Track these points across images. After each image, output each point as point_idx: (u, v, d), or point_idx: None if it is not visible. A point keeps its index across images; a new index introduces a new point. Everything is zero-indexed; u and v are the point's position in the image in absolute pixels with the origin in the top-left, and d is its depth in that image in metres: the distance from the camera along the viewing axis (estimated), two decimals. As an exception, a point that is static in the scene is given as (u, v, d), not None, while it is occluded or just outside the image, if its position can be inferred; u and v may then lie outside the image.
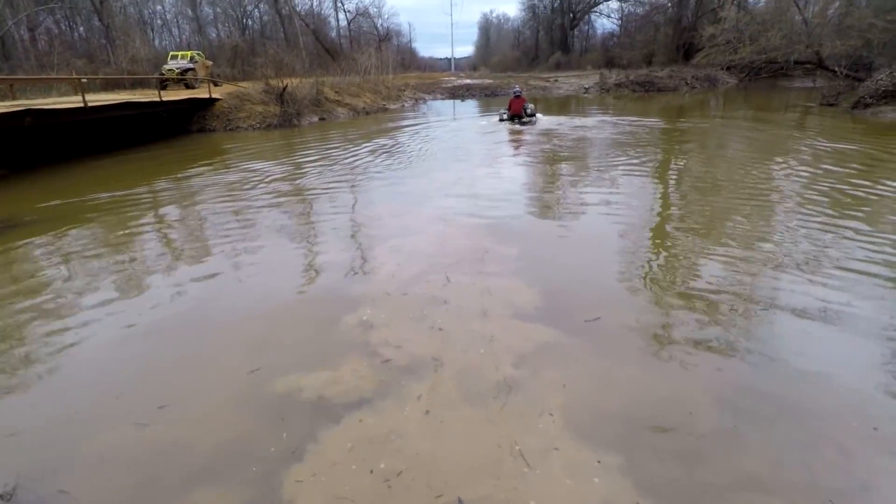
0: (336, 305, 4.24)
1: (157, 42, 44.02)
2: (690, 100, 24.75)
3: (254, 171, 10.16)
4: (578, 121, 16.62)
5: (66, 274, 5.21)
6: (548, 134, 13.42)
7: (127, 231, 6.60)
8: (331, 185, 8.61)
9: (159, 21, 46.33)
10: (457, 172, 9.15)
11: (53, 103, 11.89)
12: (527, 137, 13.13)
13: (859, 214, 5.97)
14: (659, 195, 7.42)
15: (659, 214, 6.50)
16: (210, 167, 10.91)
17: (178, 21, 47.45)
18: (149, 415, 3.02)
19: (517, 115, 15.54)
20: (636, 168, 9.07)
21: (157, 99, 14.25)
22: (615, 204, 6.89)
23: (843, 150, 9.72)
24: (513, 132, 14.15)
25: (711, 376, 3.17)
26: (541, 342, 3.57)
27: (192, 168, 10.80)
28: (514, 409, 2.94)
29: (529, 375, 3.23)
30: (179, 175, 10.10)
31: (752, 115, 17.00)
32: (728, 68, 29.67)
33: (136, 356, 3.67)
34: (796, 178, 7.79)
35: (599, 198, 7.21)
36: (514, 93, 16.14)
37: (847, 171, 8.11)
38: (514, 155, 11.16)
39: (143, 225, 6.88)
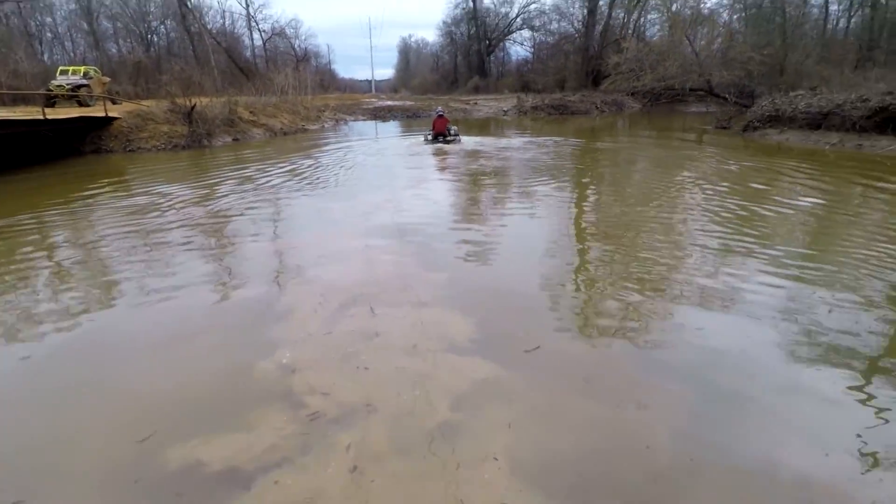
0: (251, 349, 3.75)
1: (45, 56, 40.02)
2: (601, 122, 26.32)
3: (156, 194, 9.22)
4: (503, 141, 17.05)
5: None
6: (473, 154, 13.51)
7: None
8: (245, 210, 7.97)
9: (49, 34, 42.22)
10: (382, 194, 8.85)
11: None
12: (452, 158, 13.13)
13: (756, 231, 6.40)
14: (582, 210, 7.58)
15: (584, 230, 6.60)
16: (105, 190, 9.79)
17: (71, 35, 43.45)
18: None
19: (441, 133, 15.75)
20: (557, 185, 9.27)
21: (40, 117, 12.68)
22: (541, 219, 6.93)
23: (743, 168, 10.61)
24: (438, 152, 14.12)
25: (664, 403, 3.08)
26: (479, 378, 3.32)
27: (84, 192, 9.62)
28: (455, 458, 2.65)
29: (469, 417, 2.96)
30: (68, 199, 8.94)
31: (657, 135, 18.31)
32: (632, 94, 32.03)
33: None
34: (701, 192, 8.32)
35: (525, 217, 7.22)
36: (437, 113, 16.47)
37: (743, 187, 8.79)
38: (440, 176, 11.07)
39: (21, 258, 5.91)
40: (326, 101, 31.63)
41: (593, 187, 9.22)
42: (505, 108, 32.51)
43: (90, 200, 9.02)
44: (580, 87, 38.52)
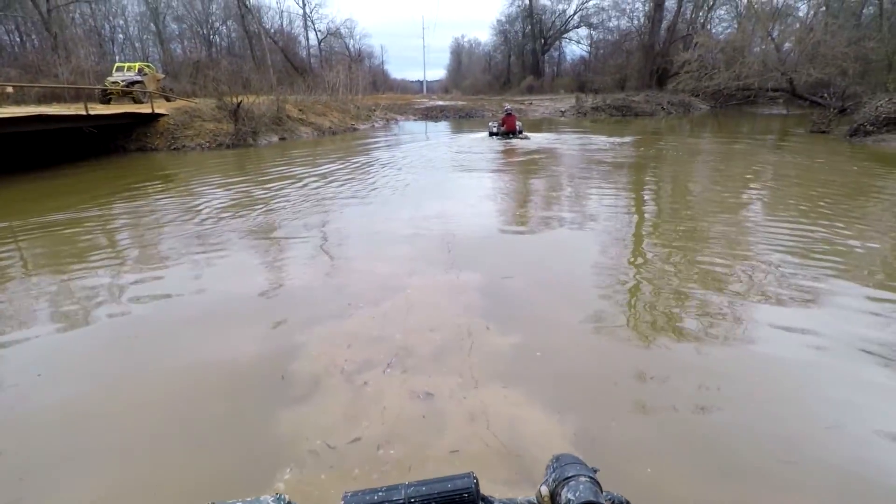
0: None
1: (118, 58, 41.70)
2: (667, 124, 24.10)
3: (192, 196, 8.43)
4: (570, 140, 15.82)
5: None
6: (549, 153, 12.32)
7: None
8: (283, 221, 6.97)
9: (121, 35, 43.99)
10: (448, 205, 7.58)
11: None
12: (535, 160, 11.82)
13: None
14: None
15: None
16: (142, 192, 9.12)
17: (140, 36, 45.18)
18: None
19: (512, 131, 15.45)
20: (658, 189, 7.75)
21: (83, 112, 12.33)
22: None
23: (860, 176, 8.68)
24: (509, 153, 13.10)
25: None
26: None
27: (120, 193, 8.99)
28: None
29: None
30: (101, 201, 8.29)
31: (747, 138, 16.21)
32: (697, 95, 29.55)
33: None
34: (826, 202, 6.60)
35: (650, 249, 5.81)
36: (507, 111, 16.18)
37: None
38: (528, 183, 9.75)
39: (56, 257, 5.10)
40: (378, 101, 30.99)
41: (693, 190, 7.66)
42: (562, 109, 30.74)
43: (122, 201, 8.32)
44: (642, 86, 36.12)
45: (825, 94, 19.12)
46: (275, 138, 17.50)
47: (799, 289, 4.21)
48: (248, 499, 0.81)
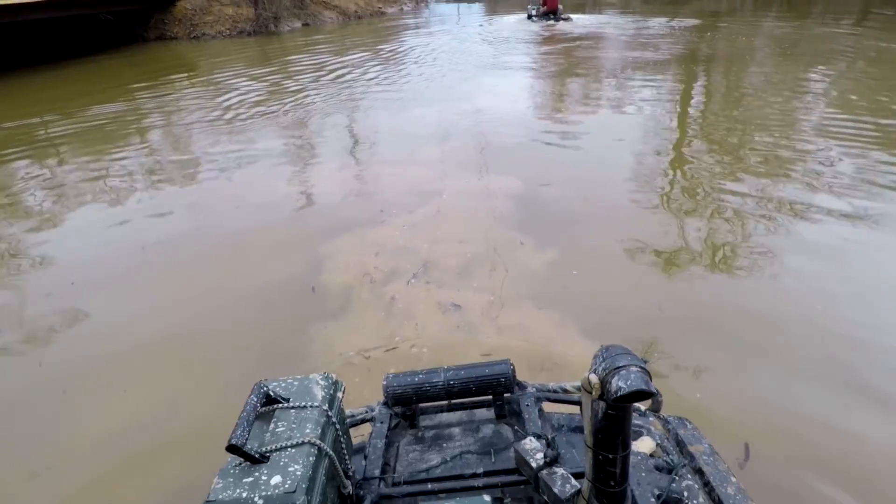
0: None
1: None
2: (729, 3, 21.28)
3: (217, 90, 8.12)
4: (624, 21, 14.25)
5: None
6: (595, 38, 11.25)
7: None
8: (314, 120, 6.67)
9: None
10: (482, 101, 7.09)
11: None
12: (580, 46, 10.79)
13: None
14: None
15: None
16: (168, 84, 8.83)
17: None
18: None
19: (553, 11, 14.28)
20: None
21: (97, -3, 11.65)
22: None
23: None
24: (548, 40, 12.01)
25: None
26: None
27: (143, 84, 8.73)
28: None
29: None
30: (124, 95, 8.09)
31: (823, 21, 14.24)
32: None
33: None
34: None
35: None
36: None
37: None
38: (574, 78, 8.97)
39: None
40: (406, -21, 28.28)
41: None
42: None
43: (150, 95, 8.10)
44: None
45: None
46: (297, 24, 16.41)
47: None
48: (298, 376, 0.83)
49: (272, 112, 6.90)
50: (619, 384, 0.64)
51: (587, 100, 7.22)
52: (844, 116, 5.64)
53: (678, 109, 6.45)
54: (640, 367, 0.66)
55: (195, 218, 4.18)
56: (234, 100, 7.61)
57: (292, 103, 7.26)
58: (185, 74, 9.87)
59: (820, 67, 8.06)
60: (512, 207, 3.96)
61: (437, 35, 13.90)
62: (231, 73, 9.65)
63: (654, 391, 0.64)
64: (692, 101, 6.86)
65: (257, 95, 7.85)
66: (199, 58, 11.72)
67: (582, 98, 7.36)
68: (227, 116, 6.82)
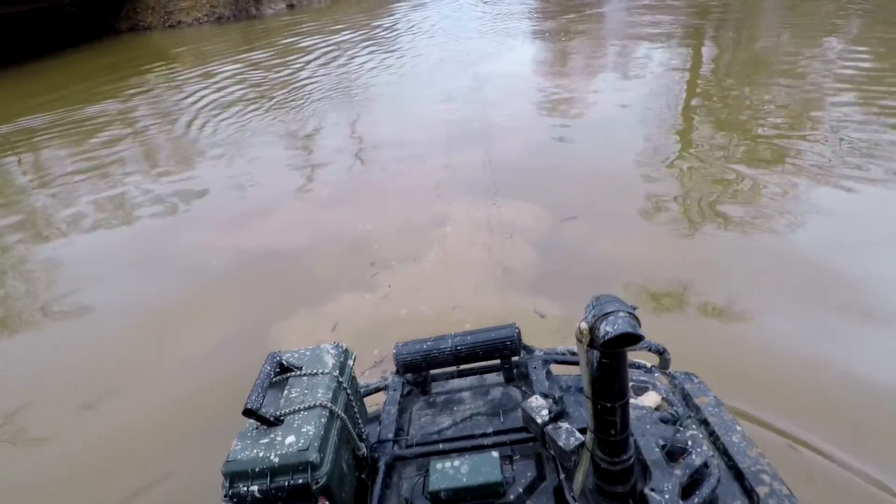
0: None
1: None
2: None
3: (195, 85, 7.13)
4: None
5: None
6: None
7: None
8: (306, 118, 5.71)
9: None
10: (482, 76, 6.16)
11: None
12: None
13: None
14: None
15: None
16: (143, 87, 7.82)
17: None
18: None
19: None
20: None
21: (57, -12, 10.51)
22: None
23: None
24: None
25: None
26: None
27: (102, 85, 7.72)
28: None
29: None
30: (92, 95, 7.09)
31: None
32: None
33: None
34: None
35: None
36: None
37: None
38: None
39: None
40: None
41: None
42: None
43: (138, 95, 7.11)
44: None
45: None
46: (282, 5, 15.15)
47: None
48: (309, 347, 0.95)
49: (255, 111, 5.93)
50: (607, 328, 0.64)
51: (584, 66, 6.20)
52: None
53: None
54: (628, 313, 0.65)
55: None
56: (194, 112, 6.48)
57: (282, 97, 6.29)
58: (162, 68, 8.82)
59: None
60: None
61: (433, 6, 12.70)
62: (210, 64, 8.60)
63: (642, 335, 0.63)
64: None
65: (238, 90, 6.86)
66: (176, 47, 10.63)
67: (578, 64, 6.34)
68: (187, 134, 5.81)
